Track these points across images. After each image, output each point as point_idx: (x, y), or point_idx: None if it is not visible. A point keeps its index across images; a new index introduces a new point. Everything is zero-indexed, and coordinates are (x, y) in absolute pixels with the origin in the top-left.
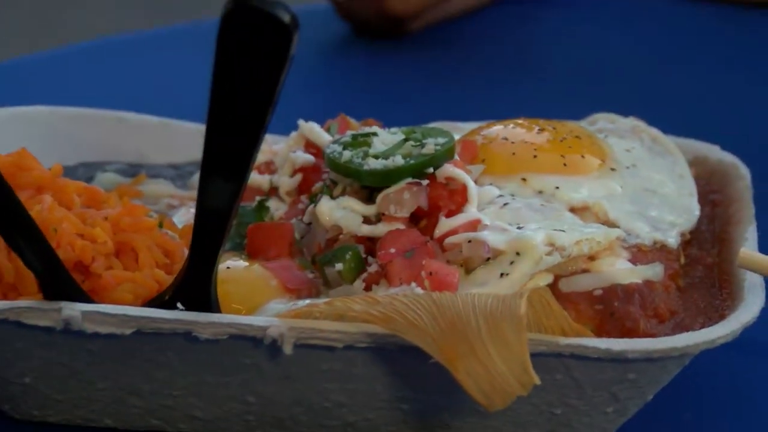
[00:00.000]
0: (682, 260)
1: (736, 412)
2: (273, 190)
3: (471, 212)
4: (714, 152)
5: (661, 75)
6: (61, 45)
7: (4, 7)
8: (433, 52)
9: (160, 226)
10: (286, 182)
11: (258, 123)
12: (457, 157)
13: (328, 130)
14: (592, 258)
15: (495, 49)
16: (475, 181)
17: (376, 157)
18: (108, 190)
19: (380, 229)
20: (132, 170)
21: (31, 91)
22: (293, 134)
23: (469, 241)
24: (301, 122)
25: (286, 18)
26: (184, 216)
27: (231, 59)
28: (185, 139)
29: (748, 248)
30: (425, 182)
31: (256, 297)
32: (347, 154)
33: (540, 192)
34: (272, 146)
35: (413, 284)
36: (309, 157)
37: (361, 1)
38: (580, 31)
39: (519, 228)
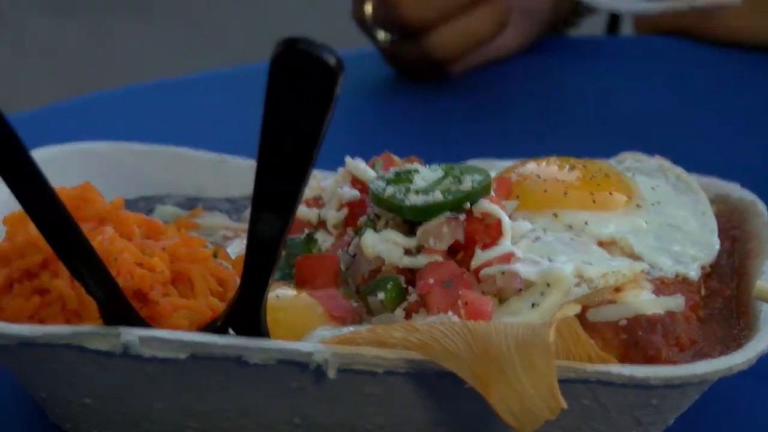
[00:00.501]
0: (703, 292)
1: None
2: (321, 224)
3: (505, 245)
4: (735, 190)
5: (685, 117)
6: (128, 84)
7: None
8: (473, 94)
9: (215, 256)
10: (333, 216)
11: (305, 160)
12: (492, 193)
13: (373, 167)
14: (617, 290)
15: (529, 91)
16: (510, 216)
17: (417, 192)
18: (167, 222)
19: (420, 261)
20: (189, 203)
21: (97, 127)
22: (340, 170)
23: (503, 273)
24: (347, 159)
25: (332, 61)
26: (238, 247)
27: (280, 99)
28: (240, 173)
29: (764, 281)
30: (462, 217)
31: (303, 324)
32: (390, 190)
33: (570, 227)
34: (321, 182)
35: (450, 313)
36: (355, 193)
37: (406, 47)
38: (609, 77)
39: (550, 261)
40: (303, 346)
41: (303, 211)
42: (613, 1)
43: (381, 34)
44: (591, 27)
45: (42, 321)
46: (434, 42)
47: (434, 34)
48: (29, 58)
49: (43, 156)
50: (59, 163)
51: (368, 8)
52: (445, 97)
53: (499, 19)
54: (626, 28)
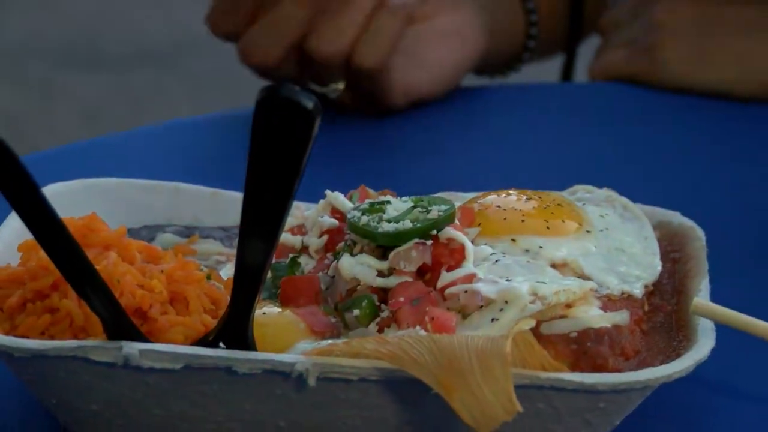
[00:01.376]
0: (646, 308)
1: None
2: (304, 249)
3: (468, 267)
4: (675, 218)
5: (631, 154)
6: (133, 129)
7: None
8: (440, 133)
9: (209, 278)
10: (314, 242)
11: (286, 193)
12: (457, 221)
13: (350, 199)
14: (569, 306)
15: (492, 131)
16: (472, 242)
17: (389, 221)
18: (166, 248)
19: (391, 282)
20: (187, 232)
21: (108, 163)
22: (321, 202)
23: (466, 292)
24: (327, 192)
25: (309, 105)
26: (230, 270)
27: (264, 139)
28: (233, 205)
29: (701, 298)
30: (429, 242)
31: (286, 338)
32: (365, 219)
33: (527, 250)
34: (303, 212)
35: (418, 327)
36: (334, 221)
37: (353, 85)
38: (563, 119)
39: (508, 281)
40: (286, 357)
41: (287, 238)
42: None
43: (330, 88)
44: (547, 75)
45: (52, 336)
46: (359, 57)
47: (355, 53)
48: (57, 108)
49: (55, 191)
50: (69, 197)
51: (309, 84)
52: (415, 136)
53: (396, 13)
54: (581, 76)
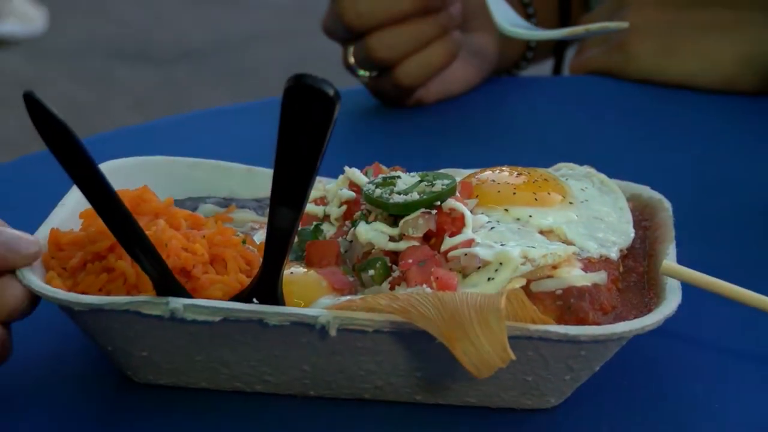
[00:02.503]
0: (621, 269)
1: (658, 379)
2: (326, 217)
3: (467, 234)
4: (645, 191)
5: (607, 137)
6: (178, 114)
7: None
8: (443, 120)
9: (244, 242)
10: (334, 211)
11: (310, 168)
12: (458, 193)
13: (365, 174)
14: (554, 267)
15: (488, 118)
16: (471, 211)
17: (399, 193)
18: (207, 216)
19: (401, 246)
20: (225, 203)
21: (160, 144)
22: (341, 177)
23: (466, 255)
24: (346, 168)
25: (330, 92)
26: (262, 236)
27: (291, 122)
28: (265, 180)
29: (669, 260)
30: (434, 212)
31: (311, 294)
32: (378, 191)
33: (518, 219)
34: (325, 185)
35: (424, 285)
36: (351, 194)
37: (381, 80)
38: (550, 106)
39: (502, 245)
40: (311, 311)
41: (311, 208)
42: (522, 31)
43: (362, 72)
44: (540, 70)
45: (108, 293)
46: (401, 73)
47: (400, 67)
48: (112, 97)
49: (111, 166)
50: (124, 172)
51: (349, 54)
52: (422, 121)
53: (451, 50)
54: (567, 71)
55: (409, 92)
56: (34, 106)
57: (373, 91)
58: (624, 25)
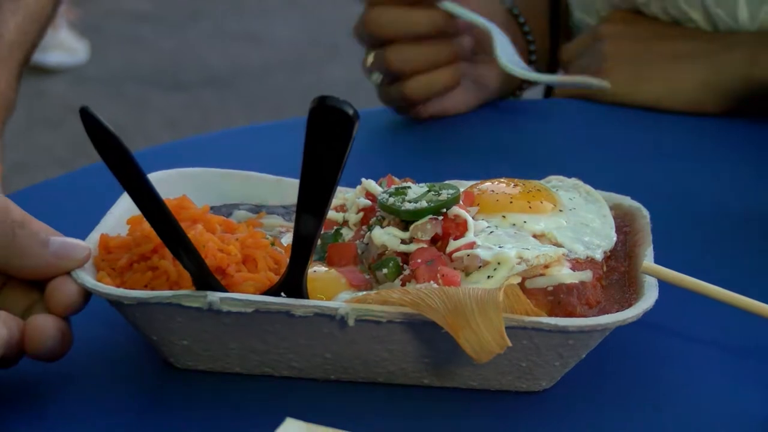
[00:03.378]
0: (604, 269)
1: (637, 365)
2: (345, 222)
3: (469, 237)
4: (626, 200)
5: (591, 153)
6: (208, 133)
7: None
8: (447, 137)
9: (273, 244)
10: (353, 217)
11: (332, 180)
12: (461, 202)
13: (380, 185)
14: (546, 267)
15: (486, 135)
16: (472, 218)
17: (409, 201)
18: (240, 221)
19: (411, 247)
20: (256, 209)
21: (188, 160)
22: (358, 187)
23: (468, 255)
24: (363, 179)
25: (350, 112)
26: (289, 238)
27: (315, 138)
28: (291, 189)
29: (647, 261)
30: (440, 218)
31: (332, 289)
32: (391, 200)
33: (513, 224)
34: (345, 194)
35: (432, 282)
36: (367, 202)
37: (391, 87)
38: (541, 126)
39: (500, 247)
40: (332, 304)
41: (332, 214)
42: (519, 70)
43: (375, 76)
44: (533, 94)
45: (152, 288)
46: (410, 85)
47: (408, 81)
48: (147, 118)
49: (155, 177)
50: (165, 182)
51: (369, 58)
52: (430, 139)
53: (455, 77)
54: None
55: (410, 104)
56: (89, 120)
57: (382, 95)
58: (605, 84)
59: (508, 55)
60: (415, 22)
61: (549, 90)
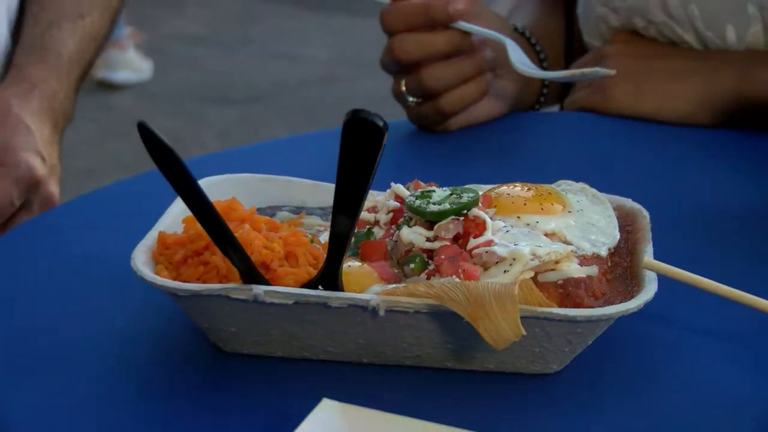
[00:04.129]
0: (609, 264)
1: (638, 351)
2: (376, 222)
3: (487, 236)
4: (628, 202)
5: (597, 159)
6: (256, 143)
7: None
8: (469, 145)
9: (311, 242)
10: (383, 218)
11: (364, 184)
12: (480, 204)
13: (407, 188)
14: (556, 262)
15: (505, 143)
16: (490, 218)
17: (434, 204)
18: (282, 221)
19: (435, 245)
20: (297, 210)
21: (238, 166)
22: (388, 190)
23: (486, 252)
24: (392, 183)
25: (380, 123)
26: (326, 237)
27: (349, 147)
28: (328, 192)
29: (648, 257)
30: (462, 218)
31: (364, 283)
32: (418, 202)
33: (527, 224)
34: (376, 197)
35: (454, 276)
36: (396, 204)
37: (425, 106)
38: (552, 134)
39: (515, 245)
40: (364, 296)
41: (364, 215)
42: (530, 70)
43: (410, 99)
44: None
45: (204, 281)
46: (443, 101)
47: (443, 97)
48: (202, 129)
49: (207, 182)
50: (217, 187)
51: (402, 84)
52: (452, 147)
53: (483, 89)
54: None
55: (445, 118)
56: (146, 133)
57: (413, 115)
58: (611, 72)
59: (520, 59)
60: (437, 43)
61: (561, 104)
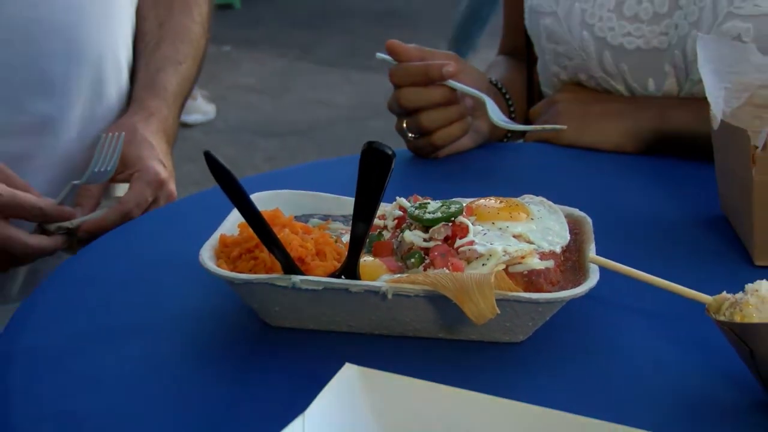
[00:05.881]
0: (562, 258)
1: (586, 326)
2: (385, 227)
3: (470, 237)
4: (576, 212)
5: (552, 177)
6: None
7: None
8: (456, 169)
9: (336, 242)
10: (390, 224)
11: (376, 198)
12: (464, 213)
13: (409, 201)
14: (522, 258)
15: (481, 168)
16: (472, 224)
17: (429, 212)
18: (314, 226)
19: (430, 244)
20: (325, 218)
21: (283, 184)
22: (394, 203)
23: (469, 250)
24: (397, 197)
25: (389, 152)
26: (347, 238)
27: (365, 170)
28: (349, 204)
29: (591, 254)
30: (450, 224)
31: (376, 273)
32: (417, 211)
33: (500, 228)
34: (385, 208)
35: (444, 268)
36: (400, 213)
37: (422, 140)
38: (514, 160)
39: (491, 244)
40: (376, 283)
41: (376, 222)
42: (504, 123)
43: (410, 134)
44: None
45: (255, 272)
46: (436, 138)
47: (436, 134)
48: (252, 155)
49: (258, 196)
50: (264, 200)
51: (404, 123)
52: (443, 171)
53: (465, 129)
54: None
55: (436, 149)
56: (210, 159)
57: (412, 146)
58: (563, 127)
59: (496, 114)
60: (433, 96)
61: (524, 136)
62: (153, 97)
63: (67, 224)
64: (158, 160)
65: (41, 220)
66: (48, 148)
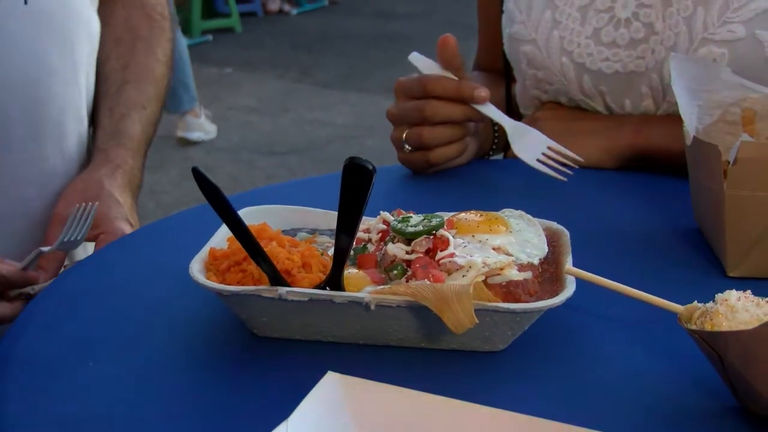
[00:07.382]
0: (540, 270)
1: (563, 334)
2: (369, 240)
3: (450, 250)
4: (554, 225)
5: (530, 192)
6: (287, 181)
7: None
8: (438, 185)
9: (322, 254)
10: (374, 236)
11: (358, 212)
12: (445, 226)
13: (392, 215)
14: (501, 269)
15: (462, 183)
16: (452, 237)
17: (411, 226)
18: (301, 239)
19: (413, 257)
20: (312, 232)
21: (274, 200)
22: (378, 216)
23: (449, 262)
24: (381, 212)
25: (370, 167)
26: (332, 251)
27: (348, 185)
28: (335, 218)
29: (568, 265)
30: (431, 237)
31: (360, 285)
32: (400, 225)
33: (480, 241)
34: (369, 222)
35: (425, 280)
36: (383, 226)
37: (416, 155)
38: (499, 177)
39: (471, 256)
40: (360, 294)
41: (360, 235)
42: (527, 160)
43: (406, 147)
44: (496, 156)
45: (243, 284)
46: (434, 155)
47: (434, 151)
48: (253, 173)
49: (245, 211)
50: (252, 214)
51: (403, 134)
52: (425, 186)
53: (462, 150)
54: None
55: (430, 167)
56: (198, 176)
57: (404, 159)
58: (564, 179)
59: (517, 146)
60: (456, 112)
61: (505, 154)
62: (118, 147)
63: (28, 290)
64: (125, 219)
65: (3, 289)
66: (8, 207)
